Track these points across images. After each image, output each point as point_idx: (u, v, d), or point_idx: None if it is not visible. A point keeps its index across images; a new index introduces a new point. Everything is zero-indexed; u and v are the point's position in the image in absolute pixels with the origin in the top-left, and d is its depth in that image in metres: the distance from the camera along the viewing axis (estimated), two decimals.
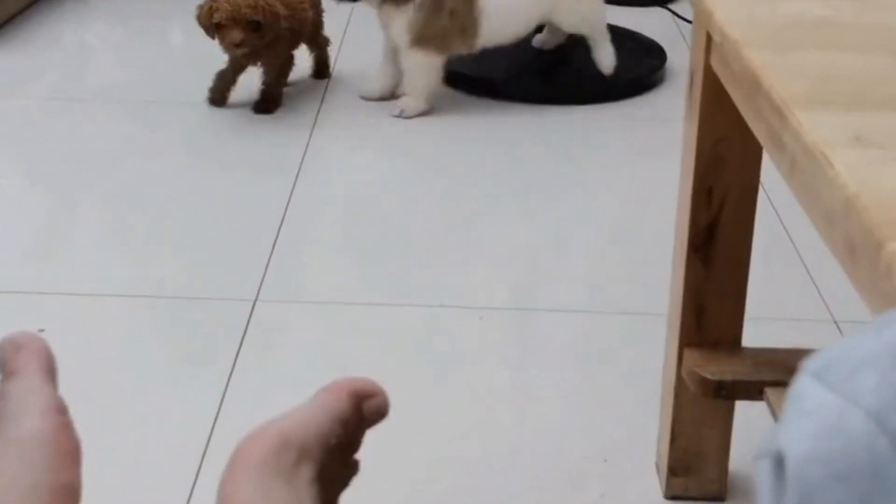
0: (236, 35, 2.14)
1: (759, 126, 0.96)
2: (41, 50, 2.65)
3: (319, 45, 2.46)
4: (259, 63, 2.27)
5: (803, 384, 0.41)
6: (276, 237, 1.83)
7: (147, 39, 2.73)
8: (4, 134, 2.23)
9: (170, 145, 2.17)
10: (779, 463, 0.39)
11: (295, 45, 2.33)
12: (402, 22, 2.24)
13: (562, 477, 1.32)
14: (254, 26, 2.14)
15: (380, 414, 0.48)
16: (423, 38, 2.25)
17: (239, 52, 2.18)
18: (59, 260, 1.78)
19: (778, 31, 0.99)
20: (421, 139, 2.24)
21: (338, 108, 2.33)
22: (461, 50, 2.30)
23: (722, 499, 1.27)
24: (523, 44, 2.57)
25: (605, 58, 2.43)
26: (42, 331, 1.57)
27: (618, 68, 2.51)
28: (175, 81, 2.40)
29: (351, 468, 0.51)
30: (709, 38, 1.13)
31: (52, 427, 0.43)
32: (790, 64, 0.91)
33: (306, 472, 0.45)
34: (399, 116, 2.27)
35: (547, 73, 2.49)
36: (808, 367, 0.41)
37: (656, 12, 2.88)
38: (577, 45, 2.58)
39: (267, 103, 2.29)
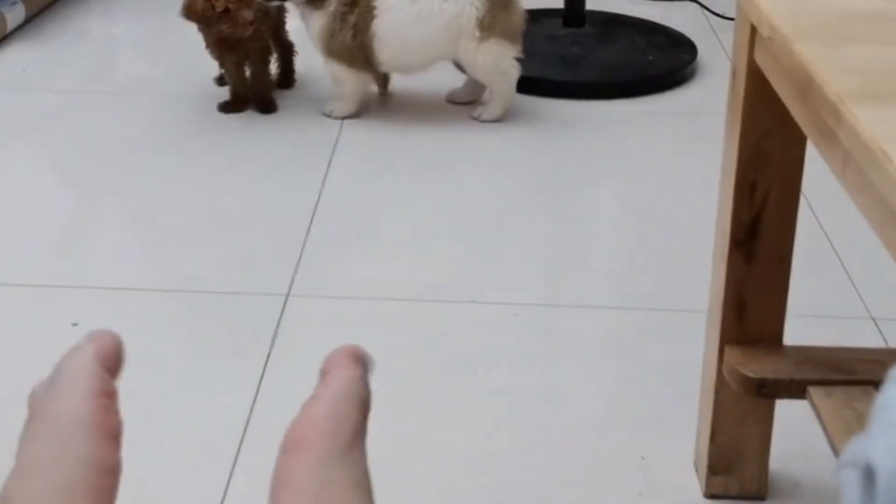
0: (248, 13, 2.11)
1: (809, 122, 0.95)
2: (68, 43, 2.65)
3: (283, 45, 2.36)
4: (239, 56, 2.22)
5: (891, 393, 0.39)
6: (308, 232, 1.82)
7: (174, 33, 2.72)
8: (32, 127, 2.23)
9: (198, 139, 2.17)
10: (868, 475, 0.38)
11: (269, 29, 2.27)
12: (315, 28, 2.17)
13: (599, 474, 1.31)
14: (253, 4, 2.12)
15: (370, 367, 0.48)
16: (331, 51, 2.17)
17: (251, 30, 2.15)
18: (88, 253, 1.78)
19: (828, 25, 0.97)
20: (451, 133, 2.23)
21: (369, 101, 2.32)
22: (368, 68, 2.20)
23: (762, 498, 1.26)
24: (552, 37, 2.56)
25: (491, 110, 2.24)
26: (75, 325, 1.57)
27: (649, 63, 2.50)
28: (203, 75, 2.39)
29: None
30: (753, 32, 1.11)
31: (95, 408, 0.43)
32: (842, 58, 0.90)
33: (359, 446, 0.45)
34: (329, 116, 2.22)
35: (576, 68, 2.47)
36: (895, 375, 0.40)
37: (685, 6, 2.86)
38: (606, 40, 2.57)
39: (266, 102, 2.26)
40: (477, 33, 2.13)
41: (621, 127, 2.27)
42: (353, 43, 2.14)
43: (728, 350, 1.20)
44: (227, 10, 2.10)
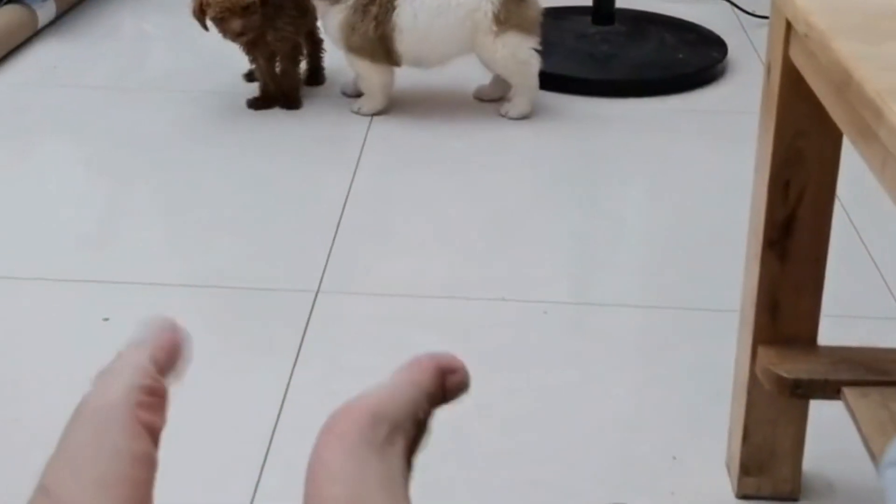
0: (236, 24, 2.10)
1: (848, 120, 0.94)
2: (99, 40, 2.66)
3: (314, 42, 2.35)
4: (269, 52, 2.21)
5: None
6: (337, 228, 1.82)
7: (203, 30, 2.73)
8: (63, 122, 2.24)
9: (228, 135, 2.17)
10: None
11: (302, 28, 2.26)
12: (335, 22, 2.16)
13: (631, 473, 1.30)
14: (251, 9, 2.09)
15: (462, 388, 0.47)
16: (352, 45, 2.16)
17: (244, 39, 2.14)
18: (119, 248, 1.79)
19: (867, 22, 0.96)
20: (482, 131, 2.22)
21: (398, 98, 2.32)
22: (389, 62, 2.20)
23: (795, 499, 1.25)
24: (581, 35, 2.55)
25: (517, 106, 2.24)
26: (106, 319, 1.58)
27: (679, 61, 2.48)
28: (232, 72, 2.40)
29: (425, 436, 0.51)
30: (788, 29, 1.10)
31: (136, 403, 0.43)
32: (883, 55, 0.89)
33: (398, 446, 0.45)
34: (358, 113, 2.22)
35: (606, 66, 2.46)
36: None
37: (716, 3, 2.85)
38: (635, 37, 2.56)
39: (291, 99, 2.26)
40: (494, 27, 2.13)
41: (651, 125, 2.26)
42: (375, 35, 2.14)
43: (761, 350, 1.19)
44: (219, 19, 2.10)
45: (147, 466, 0.42)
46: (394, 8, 2.13)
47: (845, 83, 0.88)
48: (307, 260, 1.73)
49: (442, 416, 1.24)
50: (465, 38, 2.16)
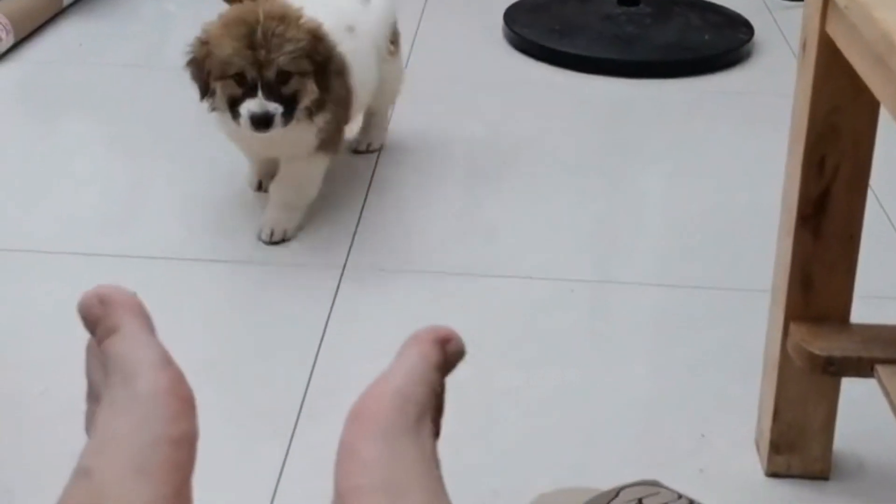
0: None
1: (890, 94, 0.93)
2: (123, 19, 2.66)
3: None
4: None
5: None
6: (364, 203, 1.82)
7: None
8: (88, 100, 2.24)
9: None
10: None
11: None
12: (311, 133, 1.68)
13: (658, 450, 1.30)
14: None
15: (460, 355, 0.48)
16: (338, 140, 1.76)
17: None
18: (144, 224, 1.79)
19: None
20: (504, 112, 2.22)
21: (419, 78, 2.31)
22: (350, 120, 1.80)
23: (826, 477, 1.24)
24: (606, 16, 2.54)
25: (379, 134, 2.01)
26: (135, 294, 1.58)
27: (705, 42, 2.47)
28: None
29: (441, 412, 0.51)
30: (825, 4, 1.09)
31: (168, 379, 0.43)
32: None
33: (427, 426, 0.45)
34: (268, 241, 1.71)
35: (632, 47, 2.45)
36: None
37: None
38: (661, 19, 2.55)
39: None
40: (392, 48, 1.91)
41: (676, 106, 2.25)
42: (344, 90, 1.70)
43: (793, 327, 1.19)
44: None
45: (187, 447, 0.41)
46: (349, 72, 1.71)
47: (889, 54, 0.87)
48: (334, 236, 1.73)
49: (469, 398, 1.25)
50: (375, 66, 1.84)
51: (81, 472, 0.42)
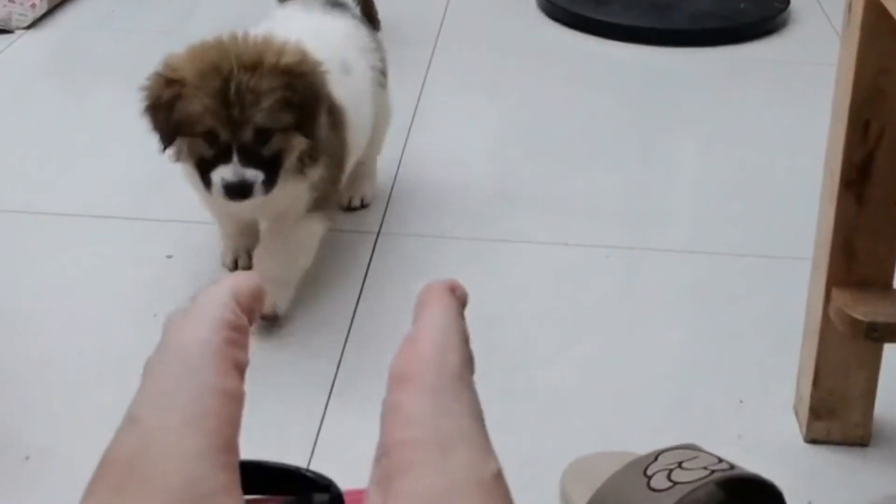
0: None
1: None
2: None
3: None
4: None
5: None
6: (397, 171, 1.81)
7: None
8: (120, 65, 2.24)
9: None
10: None
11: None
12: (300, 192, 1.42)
13: (696, 416, 1.29)
14: None
15: (466, 301, 0.47)
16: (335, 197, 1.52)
17: None
18: (178, 189, 1.78)
19: None
20: (538, 80, 2.21)
21: (452, 47, 2.30)
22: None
23: (865, 444, 1.23)
24: None
25: (371, 185, 1.73)
26: (170, 257, 1.58)
27: (740, 11, 2.45)
28: None
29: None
30: None
31: (222, 339, 0.42)
32: None
33: (467, 376, 0.44)
34: (273, 321, 1.42)
35: (667, 15, 2.43)
36: None
37: None
38: None
39: None
40: (383, 80, 1.66)
41: (712, 74, 2.23)
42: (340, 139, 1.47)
43: (836, 292, 1.17)
44: None
45: (235, 403, 0.41)
46: (346, 125, 1.47)
47: None
48: (367, 210, 1.73)
49: (504, 363, 1.24)
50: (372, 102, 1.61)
51: (130, 420, 0.41)
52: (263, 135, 1.30)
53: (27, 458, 1.21)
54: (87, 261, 1.57)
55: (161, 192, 1.78)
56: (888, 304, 1.16)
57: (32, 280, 1.53)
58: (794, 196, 1.73)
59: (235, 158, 1.30)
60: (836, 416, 1.23)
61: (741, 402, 1.31)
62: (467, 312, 0.44)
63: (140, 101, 1.35)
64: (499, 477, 0.38)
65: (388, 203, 1.72)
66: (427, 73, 2.19)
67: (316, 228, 1.45)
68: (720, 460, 1.05)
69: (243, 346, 0.43)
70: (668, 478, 1.03)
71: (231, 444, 0.40)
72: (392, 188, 1.76)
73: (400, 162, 1.85)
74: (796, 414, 1.28)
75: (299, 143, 1.34)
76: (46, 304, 1.48)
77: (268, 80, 1.29)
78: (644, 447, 1.09)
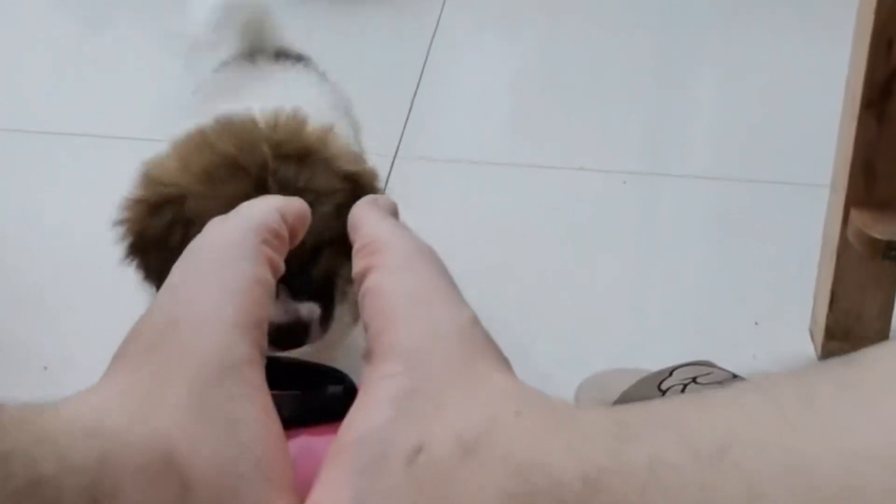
0: None
1: None
2: None
3: None
4: None
5: None
6: (415, 94, 1.81)
7: None
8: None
9: (307, 4, 2.15)
10: None
11: None
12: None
13: (712, 337, 1.30)
14: None
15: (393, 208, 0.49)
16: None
17: None
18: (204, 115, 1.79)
19: None
20: (555, 15, 2.19)
21: None
22: None
23: None
24: None
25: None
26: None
27: None
28: None
29: None
30: None
31: (260, 239, 0.43)
32: None
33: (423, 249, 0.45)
34: None
35: None
36: None
37: None
38: None
39: None
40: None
41: (731, 6, 2.21)
42: None
43: (854, 213, 1.17)
44: None
45: (267, 292, 0.42)
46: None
47: None
48: (384, 125, 1.72)
49: (520, 284, 1.23)
50: None
51: (168, 289, 0.42)
52: (315, 253, 0.91)
53: (45, 368, 1.22)
54: (107, 180, 1.58)
55: (179, 114, 1.78)
56: None
57: (52, 198, 1.54)
58: (814, 123, 1.72)
59: (284, 290, 0.89)
60: (851, 337, 1.23)
61: (756, 323, 1.31)
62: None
63: (119, 237, 0.97)
64: (475, 322, 0.39)
65: (405, 125, 1.72)
66: (443, 7, 2.17)
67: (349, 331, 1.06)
68: (735, 376, 1.06)
69: (280, 253, 0.44)
70: (683, 392, 1.04)
71: (261, 324, 0.41)
72: (409, 110, 1.76)
73: (417, 87, 1.84)
74: (811, 335, 1.28)
75: (346, 263, 0.83)
76: (67, 221, 1.49)
77: (323, 177, 0.91)
78: (659, 366, 1.10)
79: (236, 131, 0.91)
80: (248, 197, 0.55)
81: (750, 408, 0.30)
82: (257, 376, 0.40)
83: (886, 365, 0.29)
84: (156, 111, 1.78)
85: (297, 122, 0.93)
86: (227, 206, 0.49)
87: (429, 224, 1.49)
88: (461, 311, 0.40)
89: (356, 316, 0.96)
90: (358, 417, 0.37)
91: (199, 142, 0.92)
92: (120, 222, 0.95)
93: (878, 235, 1.13)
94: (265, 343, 0.41)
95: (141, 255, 0.95)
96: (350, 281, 0.80)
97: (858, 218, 1.16)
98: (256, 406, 0.39)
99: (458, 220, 1.49)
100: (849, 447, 0.27)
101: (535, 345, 1.27)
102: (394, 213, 0.49)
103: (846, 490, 0.26)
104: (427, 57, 1.94)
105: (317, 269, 0.91)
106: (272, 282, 0.43)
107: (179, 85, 1.85)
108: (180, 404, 0.37)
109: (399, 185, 1.58)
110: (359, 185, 0.93)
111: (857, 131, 1.16)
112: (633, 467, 0.30)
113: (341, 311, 0.96)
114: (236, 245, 0.43)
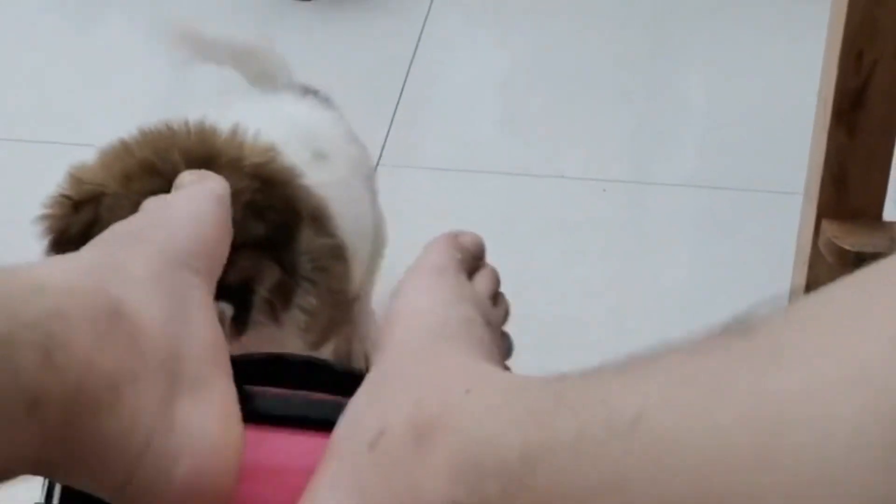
0: None
1: None
2: None
3: None
4: None
5: None
6: (398, 102, 1.82)
7: None
8: None
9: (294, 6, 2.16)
10: None
11: None
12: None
13: None
14: None
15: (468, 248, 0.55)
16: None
17: None
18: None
19: None
20: (545, 10, 2.19)
21: None
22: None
23: None
24: None
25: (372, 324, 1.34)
26: None
27: None
28: None
29: None
30: None
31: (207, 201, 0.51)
32: None
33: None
34: None
35: None
36: None
37: None
38: None
39: None
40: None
41: (720, 6, 2.21)
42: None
43: (825, 223, 1.18)
44: None
45: (228, 234, 0.53)
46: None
47: None
48: (368, 133, 1.72)
49: (510, 290, 1.23)
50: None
51: (143, 209, 0.49)
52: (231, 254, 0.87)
53: None
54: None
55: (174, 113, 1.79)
56: (877, 235, 1.16)
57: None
58: (795, 130, 1.73)
59: None
60: None
61: None
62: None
63: (41, 233, 0.97)
64: (467, 320, 0.47)
65: (388, 132, 1.73)
66: (428, 12, 2.17)
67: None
68: None
69: (225, 217, 0.52)
70: None
71: (214, 271, 0.47)
72: (392, 118, 1.77)
73: (401, 93, 1.84)
74: None
75: (272, 271, 0.97)
76: None
77: (231, 178, 0.83)
78: None
79: (153, 139, 0.97)
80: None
81: (669, 372, 0.31)
82: (207, 296, 0.44)
83: (779, 335, 0.30)
84: (144, 117, 1.79)
85: (209, 130, 0.97)
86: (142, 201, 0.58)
87: (410, 231, 1.51)
88: (455, 309, 0.45)
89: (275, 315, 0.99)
90: (349, 405, 0.41)
91: (119, 149, 0.98)
92: (42, 219, 0.97)
93: (848, 247, 1.14)
94: (214, 285, 0.46)
95: (62, 251, 0.90)
96: (273, 284, 0.94)
97: (829, 229, 1.17)
98: (206, 307, 0.43)
99: (439, 227, 1.49)
100: (762, 409, 0.28)
101: (516, 352, 1.28)
102: (474, 251, 0.54)
103: (759, 448, 0.27)
104: (411, 64, 1.94)
105: (233, 272, 0.81)
106: (231, 229, 0.51)
107: (168, 95, 1.86)
108: (135, 274, 0.41)
109: (382, 192, 1.58)
110: (271, 179, 0.95)
111: (827, 142, 1.17)
112: (562, 443, 0.31)
113: (258, 325, 0.97)
114: (200, 201, 0.51)
